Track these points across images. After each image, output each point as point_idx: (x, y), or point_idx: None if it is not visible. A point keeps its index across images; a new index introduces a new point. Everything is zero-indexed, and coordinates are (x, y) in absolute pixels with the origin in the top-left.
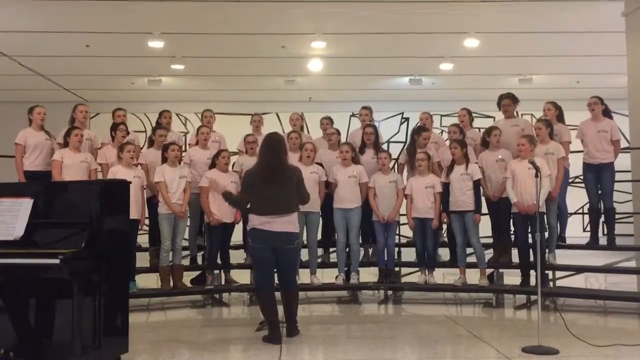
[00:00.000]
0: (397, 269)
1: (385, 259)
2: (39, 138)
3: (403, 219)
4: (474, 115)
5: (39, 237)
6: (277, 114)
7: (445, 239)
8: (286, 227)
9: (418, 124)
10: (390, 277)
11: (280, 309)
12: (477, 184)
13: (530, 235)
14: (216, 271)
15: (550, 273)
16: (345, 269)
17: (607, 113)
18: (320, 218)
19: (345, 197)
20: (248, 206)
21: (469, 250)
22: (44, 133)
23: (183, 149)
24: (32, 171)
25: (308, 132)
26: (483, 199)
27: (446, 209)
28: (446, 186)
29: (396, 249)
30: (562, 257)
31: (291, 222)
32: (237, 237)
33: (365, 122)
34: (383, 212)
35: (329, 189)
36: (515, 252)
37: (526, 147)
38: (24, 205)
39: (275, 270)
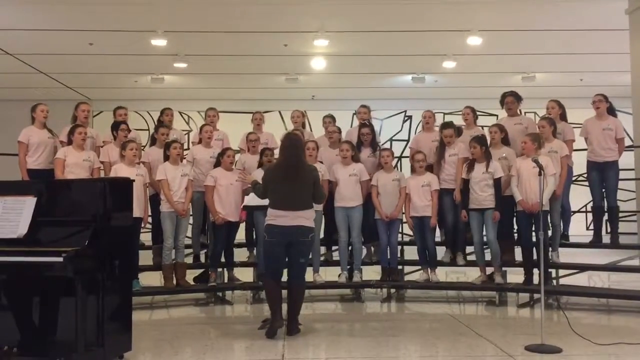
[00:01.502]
0: (399, 267)
1: (388, 257)
2: (42, 136)
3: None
4: (477, 113)
5: (42, 235)
6: (280, 112)
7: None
8: (301, 222)
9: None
10: (393, 276)
11: (284, 307)
12: (497, 182)
13: (534, 233)
14: (219, 269)
15: (553, 271)
16: (348, 267)
17: (611, 111)
18: (323, 216)
19: (347, 196)
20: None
21: (469, 249)
22: (47, 131)
23: (185, 147)
24: (35, 169)
25: (311, 130)
26: None
27: (466, 206)
28: (466, 183)
29: (399, 247)
30: (565, 255)
31: (306, 217)
32: (240, 235)
33: (362, 121)
34: (386, 210)
35: (329, 187)
36: (518, 251)
37: (529, 146)
38: (28, 204)
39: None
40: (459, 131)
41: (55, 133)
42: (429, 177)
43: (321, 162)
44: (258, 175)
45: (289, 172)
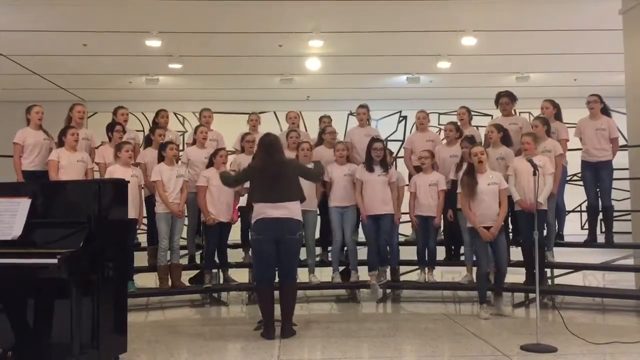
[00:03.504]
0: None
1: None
2: (37, 137)
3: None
4: (472, 113)
5: (37, 237)
6: (274, 113)
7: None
8: (288, 214)
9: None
10: (394, 276)
11: (278, 307)
12: None
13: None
14: (214, 270)
15: (548, 271)
16: (343, 267)
17: (605, 111)
18: (318, 217)
19: (340, 196)
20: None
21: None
22: (42, 132)
23: (180, 148)
24: (30, 171)
25: (306, 130)
26: None
27: (454, 207)
28: (454, 183)
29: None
30: (560, 255)
31: (293, 209)
32: (234, 236)
33: (362, 121)
34: None
35: (324, 187)
36: (512, 250)
37: (531, 145)
38: (22, 205)
39: (275, 267)
40: (460, 131)
41: (51, 134)
42: (436, 176)
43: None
44: None
45: (269, 173)
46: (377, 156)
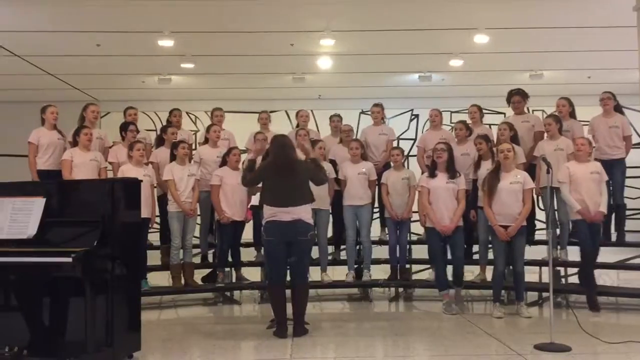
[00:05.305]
0: (407, 266)
1: (397, 256)
2: (52, 137)
3: (414, 216)
4: (484, 111)
5: (51, 236)
6: (286, 112)
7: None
8: (298, 217)
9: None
10: (404, 275)
11: (290, 306)
12: None
13: (594, 242)
14: (227, 269)
15: (562, 270)
16: (356, 266)
17: (618, 109)
18: (330, 215)
19: (355, 194)
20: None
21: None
22: (56, 132)
23: (193, 147)
24: (45, 170)
25: (317, 129)
26: None
27: (474, 205)
28: (474, 182)
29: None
30: (573, 253)
31: (304, 213)
32: (247, 234)
33: (377, 120)
34: (396, 209)
35: (339, 186)
36: (530, 250)
37: (586, 148)
38: (37, 204)
39: (287, 266)
40: (470, 130)
41: (65, 134)
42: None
43: (328, 161)
44: None
45: (282, 170)
46: (439, 157)
